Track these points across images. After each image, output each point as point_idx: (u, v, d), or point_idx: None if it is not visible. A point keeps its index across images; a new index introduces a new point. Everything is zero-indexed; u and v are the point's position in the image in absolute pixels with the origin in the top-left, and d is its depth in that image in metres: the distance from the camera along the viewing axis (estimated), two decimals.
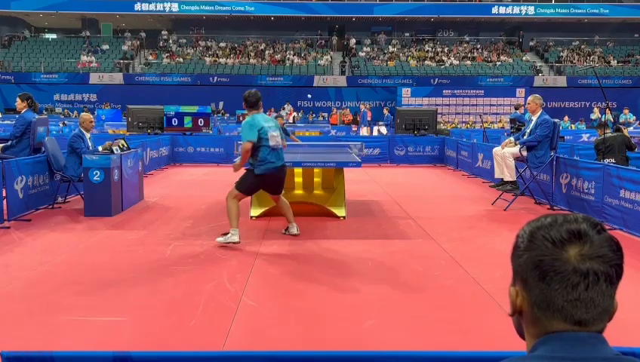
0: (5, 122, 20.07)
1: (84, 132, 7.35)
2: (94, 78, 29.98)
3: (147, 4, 31.91)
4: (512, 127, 12.96)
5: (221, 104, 29.32)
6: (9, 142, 7.44)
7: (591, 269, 0.92)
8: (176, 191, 9.08)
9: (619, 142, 8.29)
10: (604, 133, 8.28)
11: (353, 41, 32.98)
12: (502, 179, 7.87)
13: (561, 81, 29.79)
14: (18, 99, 7.59)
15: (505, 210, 7.49)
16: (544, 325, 0.95)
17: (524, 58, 32.13)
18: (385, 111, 22.69)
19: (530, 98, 7.79)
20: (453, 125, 24.25)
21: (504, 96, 27.43)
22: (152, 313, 3.70)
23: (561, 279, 0.93)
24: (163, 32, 34.71)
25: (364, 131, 19.66)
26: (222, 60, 31.77)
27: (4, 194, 6.25)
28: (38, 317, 3.60)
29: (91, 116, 7.75)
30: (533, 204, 8.01)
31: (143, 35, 34.10)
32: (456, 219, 6.95)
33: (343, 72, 31.56)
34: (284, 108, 23.67)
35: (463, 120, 27.00)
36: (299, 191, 7.06)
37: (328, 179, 6.95)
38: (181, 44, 33.98)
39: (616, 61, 31.52)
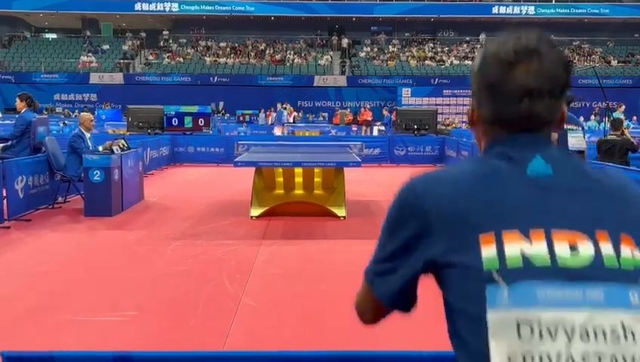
0: (5, 122, 20.06)
1: (84, 132, 7.35)
2: (94, 78, 29.98)
3: (147, 4, 31.90)
4: None
5: (221, 104, 29.32)
6: (9, 142, 7.44)
7: (536, 87, 0.95)
8: (176, 191, 9.09)
9: (620, 145, 8.24)
10: (606, 135, 8.25)
11: (346, 41, 32.91)
12: None
13: None
14: (17, 99, 7.59)
15: None
16: (495, 134, 1.02)
17: None
18: (384, 111, 22.66)
19: None
20: (454, 125, 24.25)
21: None
22: (152, 313, 3.71)
23: (509, 97, 0.97)
24: (163, 32, 34.71)
25: (277, 131, 19.38)
26: (222, 60, 31.78)
27: (4, 194, 6.25)
28: (38, 317, 3.60)
29: (91, 116, 7.74)
30: None
31: (143, 34, 34.11)
32: None
33: (343, 72, 31.56)
34: (284, 109, 23.62)
35: (463, 120, 27.01)
36: (299, 191, 7.06)
37: (328, 179, 6.95)
38: (181, 44, 33.99)
39: (616, 61, 31.51)
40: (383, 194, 8.79)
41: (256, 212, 6.75)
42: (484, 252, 0.87)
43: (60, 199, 7.55)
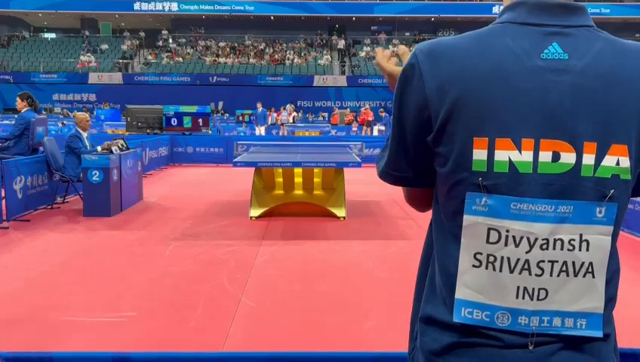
0: (4, 122, 20.05)
1: (81, 131, 7.34)
2: (93, 78, 29.97)
3: (146, 4, 31.91)
4: None
5: (220, 104, 29.32)
6: (6, 142, 7.42)
7: None
8: (175, 192, 9.08)
9: None
10: None
11: (343, 42, 32.91)
12: None
13: None
14: (18, 99, 7.58)
15: None
16: None
17: None
18: (381, 113, 22.59)
19: None
20: None
21: None
22: (152, 313, 3.70)
23: None
24: (163, 32, 34.70)
25: (260, 131, 19.33)
26: (221, 60, 31.77)
27: (2, 195, 6.24)
28: (38, 317, 3.59)
29: (87, 115, 7.71)
30: None
31: (143, 34, 34.09)
32: None
33: (343, 72, 31.55)
34: (284, 108, 23.59)
35: None
36: (299, 192, 7.06)
37: (328, 179, 6.95)
38: (180, 44, 33.97)
39: None
40: (383, 195, 8.79)
41: (255, 212, 6.75)
42: (475, 154, 0.91)
43: (58, 199, 7.54)
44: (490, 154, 0.90)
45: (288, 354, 1.65)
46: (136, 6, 31.99)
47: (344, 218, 6.78)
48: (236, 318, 3.60)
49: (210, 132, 14.73)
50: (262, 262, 4.94)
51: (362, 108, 24.26)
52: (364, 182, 10.05)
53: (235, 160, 6.84)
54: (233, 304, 3.84)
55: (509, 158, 0.89)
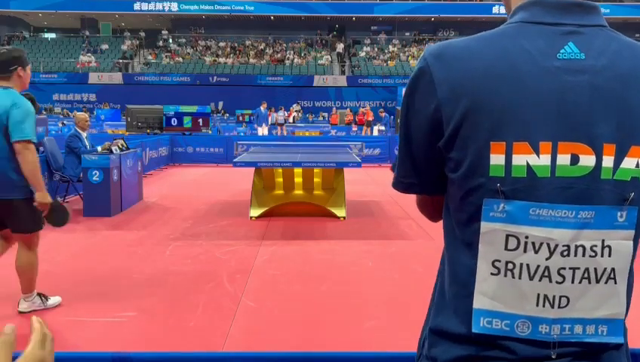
0: None
1: (81, 131, 7.34)
2: (94, 78, 29.97)
3: (146, 4, 31.91)
4: None
5: (220, 104, 29.32)
6: None
7: None
8: (175, 192, 9.08)
9: None
10: None
11: (342, 45, 32.93)
12: None
13: None
14: None
15: None
16: None
17: None
18: (381, 113, 22.56)
19: None
20: None
21: None
22: (152, 313, 3.70)
23: None
24: (163, 32, 34.71)
25: (263, 131, 19.37)
26: (221, 60, 31.78)
27: None
28: (39, 317, 3.59)
29: (86, 115, 7.71)
30: None
31: (143, 34, 34.10)
32: None
33: (342, 72, 31.55)
34: (281, 108, 23.54)
35: None
36: (299, 192, 7.06)
37: (328, 179, 6.95)
38: (180, 44, 33.98)
39: None
40: (382, 195, 8.79)
41: (255, 212, 6.75)
42: (493, 159, 0.88)
43: (58, 199, 7.54)
44: (508, 159, 0.87)
45: (288, 354, 1.65)
46: (137, 6, 31.98)
47: (344, 218, 6.77)
48: (236, 318, 3.60)
49: (210, 132, 14.73)
50: (262, 262, 4.94)
51: (361, 109, 24.24)
52: (364, 182, 10.05)
53: (235, 160, 6.84)
54: (233, 304, 3.84)
55: (527, 163, 0.87)
